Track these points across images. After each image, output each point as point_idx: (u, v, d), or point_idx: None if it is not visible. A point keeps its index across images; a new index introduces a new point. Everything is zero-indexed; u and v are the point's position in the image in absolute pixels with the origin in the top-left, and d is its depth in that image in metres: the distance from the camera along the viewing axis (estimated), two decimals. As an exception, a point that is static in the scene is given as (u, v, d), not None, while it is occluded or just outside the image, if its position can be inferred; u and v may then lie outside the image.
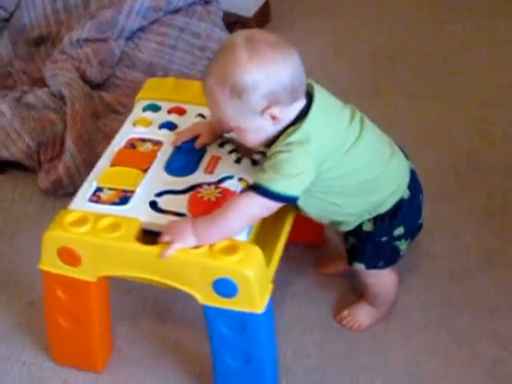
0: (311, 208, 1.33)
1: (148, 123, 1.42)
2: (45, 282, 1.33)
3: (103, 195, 1.31)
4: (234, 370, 1.32)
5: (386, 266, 1.42)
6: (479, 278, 1.55)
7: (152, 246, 1.22)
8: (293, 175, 1.22)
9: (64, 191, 1.72)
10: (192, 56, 2.04)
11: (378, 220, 1.35)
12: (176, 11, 2.10)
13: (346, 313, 1.48)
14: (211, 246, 1.22)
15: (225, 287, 1.23)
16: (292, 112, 1.25)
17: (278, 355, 1.35)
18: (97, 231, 1.24)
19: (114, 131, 1.78)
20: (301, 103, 1.26)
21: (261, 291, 1.24)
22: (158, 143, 1.38)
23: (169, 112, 1.44)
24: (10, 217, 1.71)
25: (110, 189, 1.32)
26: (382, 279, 1.45)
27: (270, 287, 1.27)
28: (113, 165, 1.36)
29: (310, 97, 1.27)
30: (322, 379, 1.40)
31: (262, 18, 2.36)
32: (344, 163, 1.27)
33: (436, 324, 1.49)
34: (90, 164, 1.71)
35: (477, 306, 1.51)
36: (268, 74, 1.19)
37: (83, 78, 1.89)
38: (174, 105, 1.46)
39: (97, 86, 1.93)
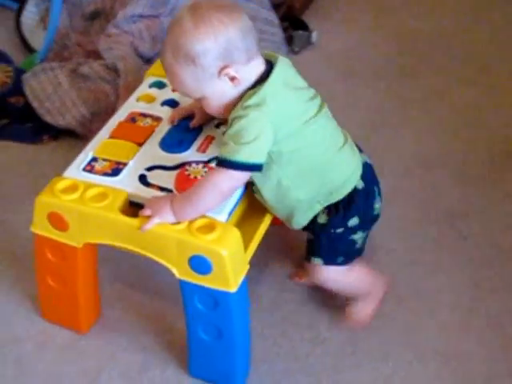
0: (267, 192, 1.33)
1: (151, 99, 1.48)
2: (35, 244, 1.38)
3: (97, 165, 1.36)
4: (206, 344, 1.35)
5: (344, 262, 1.39)
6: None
7: (133, 219, 1.27)
8: (251, 141, 1.23)
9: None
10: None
11: (331, 211, 1.34)
12: (239, -4, 2.18)
13: (347, 317, 1.48)
14: (190, 223, 1.25)
15: (200, 264, 1.26)
16: (250, 73, 1.28)
17: (251, 333, 1.37)
18: (84, 200, 1.30)
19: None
20: (259, 66, 1.28)
21: (235, 271, 1.26)
22: (157, 119, 1.43)
23: (173, 90, 1.46)
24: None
25: (105, 160, 1.37)
26: (346, 278, 1.41)
27: (245, 268, 1.29)
28: (111, 137, 1.41)
29: (271, 65, 1.29)
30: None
31: (306, 0, 2.43)
32: (299, 135, 1.28)
33: (467, 305, 1.51)
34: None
35: (510, 289, 1.53)
36: (216, 36, 1.23)
37: (135, 52, 1.97)
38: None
39: (147, 61, 2.00)
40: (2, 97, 1.88)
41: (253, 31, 1.27)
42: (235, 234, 1.27)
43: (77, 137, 1.89)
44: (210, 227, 1.25)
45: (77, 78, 1.86)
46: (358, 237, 1.38)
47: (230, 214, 1.30)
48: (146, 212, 1.26)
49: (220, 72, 1.25)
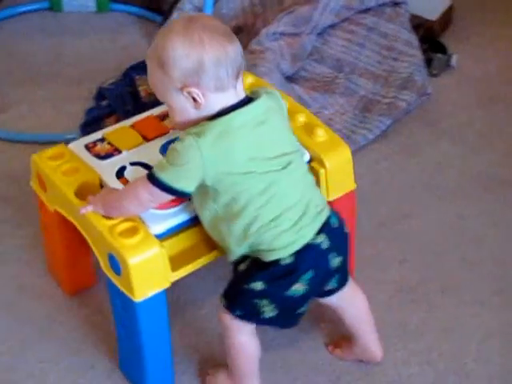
0: (203, 217, 1.29)
1: None
2: (37, 198, 1.51)
3: (99, 146, 1.43)
4: (124, 340, 1.40)
5: (242, 317, 1.30)
6: None
7: (78, 200, 1.34)
8: (179, 165, 1.21)
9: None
10: (379, 55, 2.10)
11: (252, 263, 1.29)
12: (366, 11, 2.18)
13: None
14: (119, 222, 1.29)
15: (113, 264, 1.30)
16: (215, 103, 1.24)
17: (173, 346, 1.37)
18: (57, 170, 1.40)
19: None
20: (227, 99, 1.24)
21: (144, 282, 1.27)
22: None
23: None
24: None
25: (109, 143, 1.43)
26: (236, 338, 1.32)
27: (163, 284, 1.29)
28: (131, 126, 1.46)
29: (248, 100, 1.26)
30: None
31: (445, 22, 2.39)
32: (240, 183, 1.23)
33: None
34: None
35: None
36: (190, 53, 1.21)
37: (276, 69, 1.99)
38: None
39: (286, 78, 2.02)
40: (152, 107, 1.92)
41: (234, 64, 1.23)
42: (153, 247, 1.27)
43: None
44: (133, 232, 1.28)
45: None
46: (265, 307, 1.28)
47: (171, 230, 1.31)
48: (90, 198, 1.32)
49: (183, 88, 1.23)
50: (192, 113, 1.26)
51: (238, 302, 1.30)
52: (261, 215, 1.24)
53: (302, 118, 1.48)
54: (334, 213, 1.34)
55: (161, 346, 1.37)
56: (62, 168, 1.40)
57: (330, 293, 1.37)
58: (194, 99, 1.24)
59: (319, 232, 1.28)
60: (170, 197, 1.26)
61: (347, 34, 2.13)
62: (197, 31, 1.22)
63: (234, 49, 1.24)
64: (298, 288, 1.28)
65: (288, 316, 1.33)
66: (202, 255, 1.35)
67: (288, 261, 1.26)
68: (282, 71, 1.99)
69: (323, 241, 1.29)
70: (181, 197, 1.27)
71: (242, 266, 1.31)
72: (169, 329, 1.37)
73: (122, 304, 1.33)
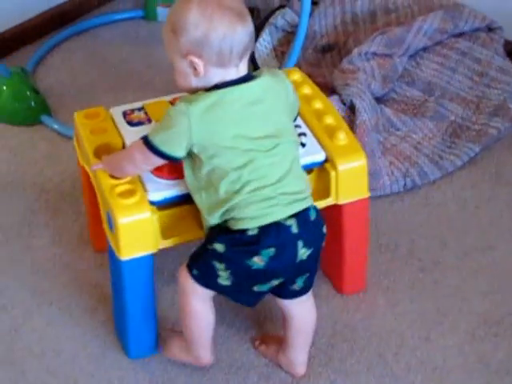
0: (188, 177, 1.33)
1: None
2: None
3: (135, 114, 1.52)
4: (114, 297, 1.49)
5: (198, 279, 1.35)
6: None
7: (95, 158, 1.43)
8: (167, 128, 1.29)
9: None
10: (470, 81, 2.07)
11: (220, 228, 1.33)
12: (460, 35, 2.14)
13: None
14: (121, 183, 1.37)
15: (109, 220, 1.38)
16: (214, 76, 1.30)
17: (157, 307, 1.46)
18: (87, 127, 1.50)
19: (392, 146, 1.90)
20: (226, 75, 1.29)
21: (131, 243, 1.36)
22: None
23: None
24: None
25: (145, 113, 1.52)
26: (190, 302, 1.37)
27: (150, 248, 1.37)
28: (170, 101, 1.52)
29: (249, 78, 1.30)
30: None
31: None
32: (222, 155, 1.28)
33: None
34: (370, 174, 1.77)
35: None
36: (198, 24, 1.26)
37: (367, 90, 1.98)
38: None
39: (376, 99, 2.01)
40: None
41: (240, 44, 1.28)
42: (144, 211, 1.35)
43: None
44: (130, 194, 1.36)
45: (311, 111, 1.89)
46: (220, 271, 1.32)
47: (168, 200, 1.37)
48: (103, 157, 1.42)
49: (186, 55, 1.29)
50: (192, 80, 1.32)
51: (198, 260, 1.36)
52: (236, 187, 1.30)
53: (329, 120, 1.51)
54: (316, 209, 1.37)
55: (144, 308, 1.45)
56: (91, 126, 1.51)
57: (293, 295, 1.40)
58: (195, 68, 1.30)
59: (292, 216, 1.32)
60: (161, 160, 1.33)
61: (439, 58, 2.10)
62: (211, 6, 1.27)
63: (244, 30, 1.28)
64: (257, 261, 1.31)
65: (243, 290, 1.37)
66: (193, 230, 1.40)
67: (253, 232, 1.31)
68: (372, 92, 1.98)
69: (293, 224, 1.32)
70: (170, 161, 1.33)
71: (212, 232, 1.37)
72: (153, 293, 1.44)
73: (113, 261, 1.42)
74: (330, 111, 1.53)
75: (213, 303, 1.40)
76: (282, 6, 2.30)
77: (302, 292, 1.40)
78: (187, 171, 1.34)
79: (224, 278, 1.34)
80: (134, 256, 1.37)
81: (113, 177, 1.39)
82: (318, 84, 2.07)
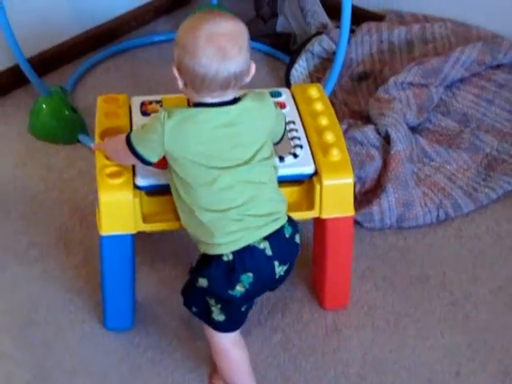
0: (172, 191, 1.39)
1: None
2: None
3: (152, 105, 1.61)
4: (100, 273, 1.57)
5: (197, 315, 1.41)
6: None
7: (99, 139, 1.53)
8: (145, 131, 1.36)
9: (371, 225, 1.82)
10: (508, 113, 2.06)
11: (201, 257, 1.37)
12: (498, 67, 2.15)
13: None
14: (114, 165, 1.46)
15: (97, 197, 1.47)
16: (193, 96, 1.35)
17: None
18: (103, 111, 1.60)
19: (426, 176, 1.89)
20: (203, 98, 1.33)
21: (112, 220, 1.46)
22: None
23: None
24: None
25: (161, 106, 1.60)
26: (209, 338, 1.41)
27: (129, 228, 1.46)
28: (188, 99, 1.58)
29: (228, 102, 1.33)
30: None
31: None
32: (188, 168, 1.33)
33: None
34: (403, 204, 1.83)
35: None
36: (190, 55, 1.28)
37: (402, 119, 1.98)
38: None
39: (411, 129, 2.01)
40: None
41: (220, 82, 1.29)
42: (126, 192, 1.44)
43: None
44: (117, 176, 1.45)
45: (347, 140, 1.87)
46: (213, 306, 1.37)
47: (154, 187, 1.45)
48: (105, 139, 1.51)
49: (175, 65, 1.34)
50: (181, 88, 1.38)
51: (190, 298, 1.42)
52: (202, 205, 1.34)
53: (329, 136, 1.54)
54: (292, 223, 1.40)
55: (120, 283, 1.55)
56: (107, 110, 1.61)
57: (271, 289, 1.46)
58: (179, 80, 1.36)
59: (265, 238, 1.35)
60: (135, 160, 1.39)
61: (476, 89, 2.10)
62: (203, 37, 1.29)
63: (222, 67, 1.29)
64: (239, 289, 1.35)
65: (236, 318, 1.41)
66: (177, 220, 1.44)
67: (228, 258, 1.34)
68: (407, 121, 1.98)
69: (267, 247, 1.35)
70: (143, 162, 1.39)
71: (196, 262, 1.40)
72: (131, 271, 1.54)
73: (99, 237, 1.51)
74: (332, 128, 1.57)
75: (240, 339, 1.42)
76: (319, 33, 2.31)
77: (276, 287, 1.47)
78: (171, 182, 1.40)
79: (217, 313, 1.38)
80: (113, 233, 1.48)
81: (107, 158, 1.49)
82: (354, 112, 2.11)
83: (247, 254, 1.34)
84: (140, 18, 2.57)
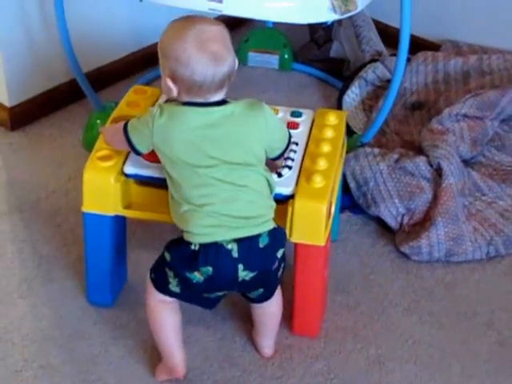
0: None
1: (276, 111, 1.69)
2: None
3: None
4: None
5: (154, 282, 1.47)
6: None
7: (109, 123, 1.62)
8: (140, 122, 1.43)
9: (419, 258, 1.80)
10: None
11: (178, 237, 1.45)
12: (556, 104, 2.12)
13: None
14: (107, 148, 1.55)
15: None
16: (184, 99, 1.41)
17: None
18: (127, 100, 1.69)
19: (477, 211, 1.87)
20: (196, 99, 1.39)
21: (92, 199, 1.55)
22: None
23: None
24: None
25: None
26: (147, 300, 1.49)
27: (109, 210, 1.55)
28: None
29: (216, 103, 1.40)
30: None
31: None
32: (174, 164, 1.40)
33: None
34: (453, 238, 1.80)
35: None
36: (180, 62, 1.36)
37: (455, 152, 1.96)
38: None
39: (463, 162, 1.99)
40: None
41: (210, 85, 1.36)
42: (109, 176, 1.52)
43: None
44: (107, 160, 1.54)
45: (397, 170, 1.88)
46: (171, 276, 1.44)
47: (140, 177, 1.53)
48: (113, 124, 1.60)
49: (167, 76, 1.41)
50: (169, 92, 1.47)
51: (154, 266, 1.49)
52: (183, 197, 1.41)
53: (320, 163, 1.55)
54: (273, 234, 1.42)
55: (100, 262, 1.62)
56: (131, 99, 1.69)
57: (252, 300, 1.52)
58: (171, 88, 1.42)
59: (235, 241, 1.39)
60: (127, 147, 1.47)
61: (533, 124, 2.07)
62: (199, 51, 1.36)
63: (218, 70, 1.37)
64: (198, 275, 1.41)
65: (194, 298, 1.49)
66: (158, 212, 1.55)
67: (195, 248, 1.41)
68: (460, 154, 1.96)
69: (234, 249, 1.39)
70: (133, 151, 1.47)
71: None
72: (112, 250, 1.62)
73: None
74: (329, 156, 1.58)
75: (176, 309, 1.50)
76: (373, 60, 2.31)
77: (260, 300, 1.52)
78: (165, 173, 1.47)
79: (174, 285, 1.46)
80: (93, 212, 1.57)
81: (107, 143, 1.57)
82: (406, 142, 2.10)
83: (213, 249, 1.40)
84: (195, 37, 2.61)
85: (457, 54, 2.32)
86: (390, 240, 1.88)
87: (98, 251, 1.62)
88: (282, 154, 1.50)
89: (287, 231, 1.50)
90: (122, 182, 1.54)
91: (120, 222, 1.62)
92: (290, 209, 1.49)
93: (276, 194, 1.50)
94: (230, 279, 1.41)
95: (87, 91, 2.09)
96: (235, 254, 1.39)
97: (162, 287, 1.47)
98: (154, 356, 1.57)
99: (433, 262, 1.81)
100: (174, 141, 1.39)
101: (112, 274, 1.66)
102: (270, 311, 1.54)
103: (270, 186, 1.44)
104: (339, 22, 2.36)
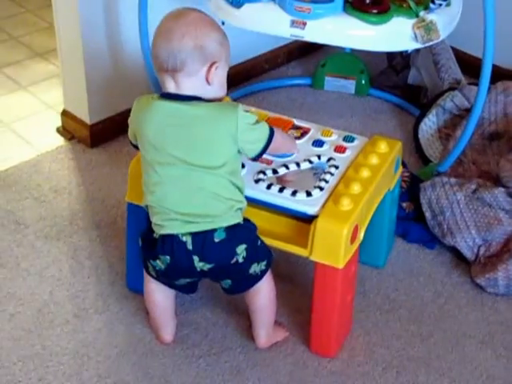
0: None
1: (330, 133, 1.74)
2: None
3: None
4: None
5: (143, 263, 1.58)
6: None
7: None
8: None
9: (495, 291, 1.76)
10: None
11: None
12: None
13: None
14: None
15: None
16: (161, 83, 1.49)
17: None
18: None
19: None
20: (167, 84, 1.46)
21: (133, 190, 1.62)
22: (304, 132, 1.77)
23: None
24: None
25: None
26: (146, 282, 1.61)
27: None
28: (268, 119, 1.75)
29: (186, 98, 1.45)
30: None
31: None
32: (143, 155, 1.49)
33: None
34: None
35: None
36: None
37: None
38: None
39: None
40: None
41: (163, 61, 1.43)
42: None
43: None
44: None
45: (475, 201, 1.85)
46: (146, 258, 1.55)
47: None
48: None
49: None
50: None
51: (142, 247, 1.59)
52: (147, 187, 1.50)
53: (354, 188, 1.55)
54: (233, 233, 1.48)
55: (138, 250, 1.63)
56: None
57: (226, 291, 1.60)
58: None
59: (190, 234, 1.47)
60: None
61: None
62: (158, 28, 1.47)
63: (164, 50, 1.44)
64: (159, 263, 1.52)
65: (167, 282, 1.59)
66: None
67: (156, 237, 1.52)
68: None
69: (188, 241, 1.48)
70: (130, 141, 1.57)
71: None
72: None
73: None
74: (365, 182, 1.58)
75: (164, 289, 1.59)
76: (451, 88, 2.29)
77: (233, 292, 1.60)
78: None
79: (151, 269, 1.56)
80: (134, 202, 1.65)
81: None
82: (483, 172, 2.06)
83: (169, 240, 1.49)
84: (272, 61, 2.63)
85: (538, 84, 2.28)
86: (464, 271, 1.85)
87: (136, 240, 1.64)
88: (261, 154, 1.52)
89: (308, 249, 1.53)
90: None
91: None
92: (312, 227, 1.52)
93: (301, 213, 1.53)
94: (187, 268, 1.50)
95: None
96: (189, 246, 1.48)
97: (146, 270, 1.59)
98: (226, 377, 1.59)
99: (510, 295, 1.78)
100: (142, 127, 1.48)
101: None
102: (261, 303, 1.60)
103: (237, 187, 1.49)
104: (418, 49, 2.36)
